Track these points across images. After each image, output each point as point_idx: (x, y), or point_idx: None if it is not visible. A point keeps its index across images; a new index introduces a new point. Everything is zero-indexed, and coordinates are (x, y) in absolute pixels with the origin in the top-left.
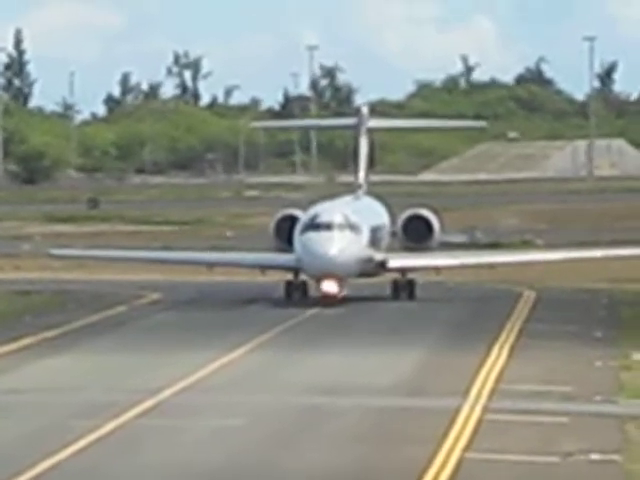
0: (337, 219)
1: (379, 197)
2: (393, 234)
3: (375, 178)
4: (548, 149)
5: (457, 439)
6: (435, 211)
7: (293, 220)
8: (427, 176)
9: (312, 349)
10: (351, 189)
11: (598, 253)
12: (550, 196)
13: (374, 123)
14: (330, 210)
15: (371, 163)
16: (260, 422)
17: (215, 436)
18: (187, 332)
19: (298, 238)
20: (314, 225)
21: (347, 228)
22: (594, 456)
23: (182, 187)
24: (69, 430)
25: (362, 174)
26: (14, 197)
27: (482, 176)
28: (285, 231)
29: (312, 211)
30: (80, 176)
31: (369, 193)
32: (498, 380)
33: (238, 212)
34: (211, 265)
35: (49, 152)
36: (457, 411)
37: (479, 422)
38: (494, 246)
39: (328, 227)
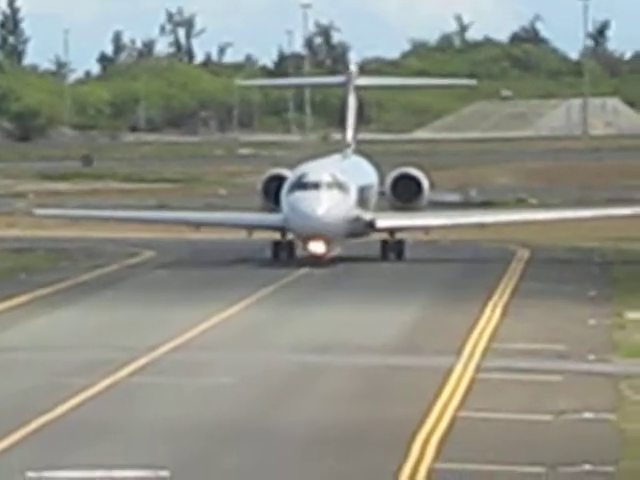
0: (325, 178)
1: (367, 156)
2: (381, 194)
3: (369, 136)
4: (542, 108)
5: (450, 398)
6: (424, 170)
7: (281, 180)
8: (421, 134)
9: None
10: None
11: (588, 213)
12: (544, 155)
13: (363, 81)
14: (318, 169)
15: (360, 121)
16: (252, 380)
17: (206, 394)
18: (179, 290)
19: (285, 198)
20: (301, 184)
21: (335, 187)
22: (587, 414)
23: (176, 145)
24: (63, 388)
25: (350, 133)
26: (8, 155)
27: (476, 134)
28: (273, 191)
29: (299, 170)
30: (74, 134)
31: (358, 151)
32: (491, 339)
33: (232, 170)
34: (197, 225)
35: (43, 110)
36: (450, 370)
37: (472, 381)
38: (488, 205)
39: (315, 186)
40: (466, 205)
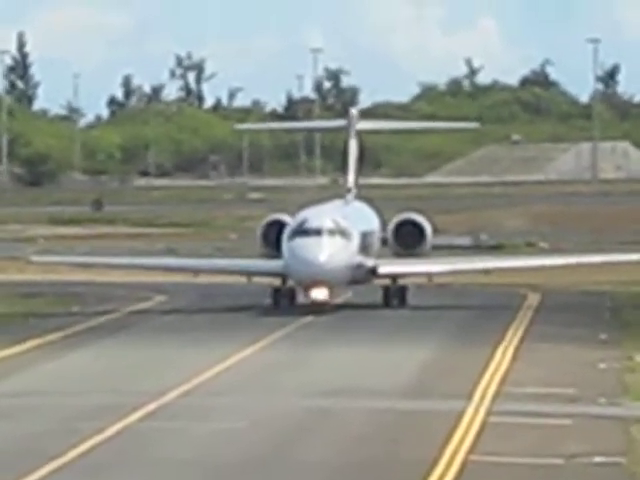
0: (326, 224)
1: (369, 200)
2: (383, 240)
3: (379, 180)
4: (552, 151)
5: (461, 441)
6: (427, 215)
7: (280, 225)
8: (432, 178)
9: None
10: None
11: (597, 259)
12: (554, 198)
13: (363, 125)
14: (319, 215)
15: (362, 166)
16: (262, 424)
17: (216, 438)
18: (188, 334)
19: (286, 244)
20: (303, 231)
21: (337, 234)
22: (598, 458)
23: (186, 189)
24: (75, 433)
25: (352, 177)
26: (19, 199)
27: (486, 178)
28: (272, 236)
29: (301, 216)
30: (84, 178)
31: (361, 196)
32: (502, 383)
33: (242, 214)
34: (196, 272)
35: (53, 155)
36: (461, 413)
37: (483, 424)
38: (498, 248)
39: (317, 232)
40: (477, 249)
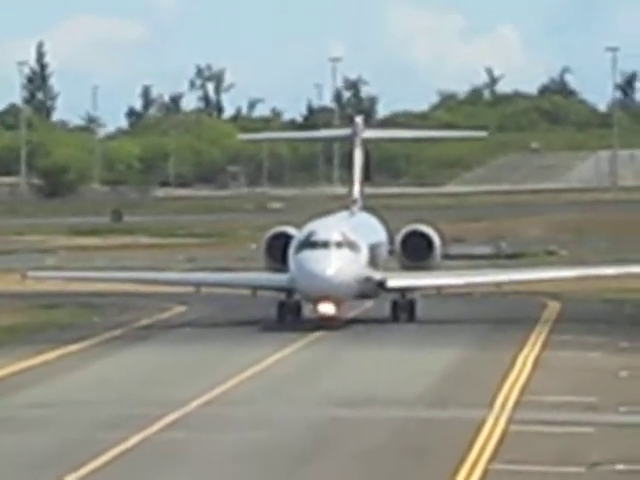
0: (334, 237)
1: (375, 212)
2: (390, 252)
3: (399, 190)
4: (571, 159)
5: (482, 450)
6: (436, 227)
7: (285, 238)
8: (452, 187)
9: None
10: (370, 201)
11: (612, 270)
12: (574, 206)
13: (369, 134)
14: (327, 227)
15: (367, 176)
16: (284, 434)
17: (236, 449)
18: (208, 345)
19: (293, 257)
20: (310, 243)
21: (345, 246)
22: (620, 466)
23: (206, 199)
24: (96, 443)
25: (357, 188)
26: (38, 210)
27: (506, 187)
28: (277, 249)
29: (308, 228)
30: (104, 189)
31: (367, 207)
32: (523, 391)
33: (262, 224)
34: (199, 285)
35: (73, 166)
36: (482, 422)
37: (504, 433)
38: (518, 257)
39: (325, 245)
40: (497, 257)
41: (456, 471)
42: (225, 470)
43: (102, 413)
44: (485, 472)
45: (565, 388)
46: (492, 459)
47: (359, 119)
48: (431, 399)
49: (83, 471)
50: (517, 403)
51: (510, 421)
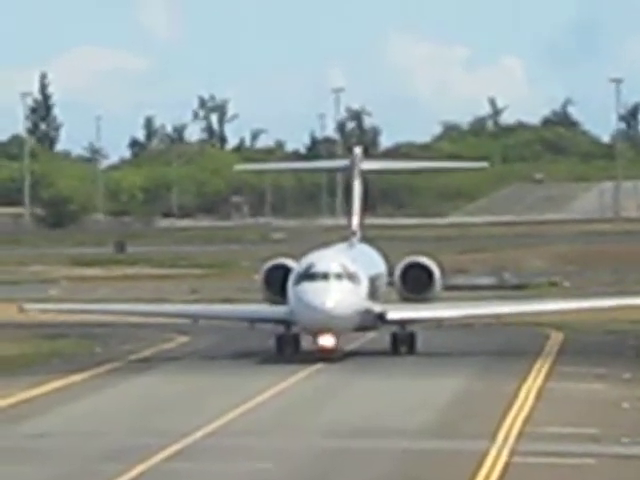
0: (334, 269)
1: (374, 243)
2: (390, 283)
3: (403, 221)
4: (575, 191)
5: None
6: (435, 258)
7: (283, 269)
8: (455, 218)
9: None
10: (374, 233)
11: (612, 302)
12: (577, 237)
13: (368, 165)
14: (326, 259)
15: (365, 207)
16: (287, 465)
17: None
18: (211, 376)
19: (292, 289)
20: (309, 275)
21: (345, 278)
22: None
23: (209, 230)
24: (98, 474)
25: (356, 219)
26: (41, 241)
27: (509, 217)
28: (275, 281)
29: (307, 260)
30: (107, 220)
31: (365, 239)
32: (525, 423)
33: (265, 255)
34: (197, 318)
35: (76, 196)
36: (485, 453)
37: (506, 465)
38: (522, 288)
39: (324, 277)
40: (500, 288)
41: None
42: None
43: (103, 444)
44: None
45: (568, 419)
46: None
47: (358, 150)
48: (434, 430)
49: None
50: (520, 434)
51: (513, 453)
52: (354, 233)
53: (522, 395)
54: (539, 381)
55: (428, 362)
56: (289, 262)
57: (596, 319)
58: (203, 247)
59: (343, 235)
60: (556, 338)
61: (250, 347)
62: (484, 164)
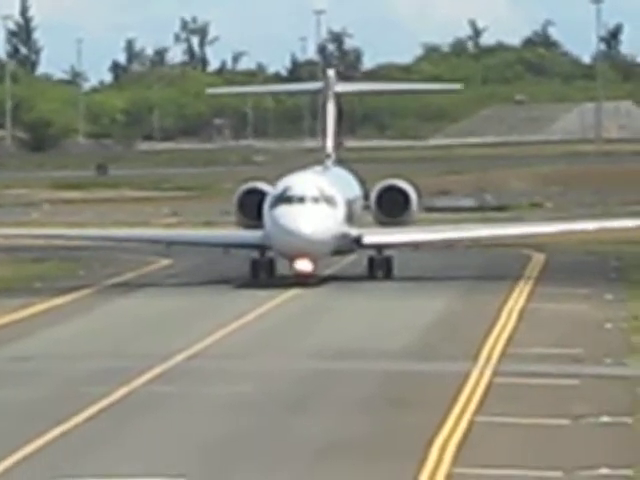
0: (311, 192)
1: (349, 166)
2: (366, 207)
3: (385, 143)
4: (556, 112)
5: (467, 403)
6: (411, 181)
7: (258, 194)
8: (437, 140)
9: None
10: (364, 154)
11: (590, 225)
12: (558, 158)
13: (341, 87)
14: (303, 182)
15: (339, 130)
16: (268, 388)
17: (222, 402)
18: (192, 299)
19: (268, 213)
20: (286, 198)
21: (322, 201)
22: (605, 418)
23: (190, 153)
24: (82, 397)
25: (330, 142)
26: (23, 164)
27: (490, 139)
28: (249, 206)
29: (283, 183)
30: (88, 143)
31: (342, 161)
32: (508, 344)
33: (247, 177)
34: (169, 243)
35: (57, 119)
36: (467, 375)
37: (489, 386)
38: (503, 209)
39: (301, 200)
40: (482, 209)
41: (442, 423)
42: (215, 420)
43: (87, 366)
44: (470, 424)
45: (550, 340)
46: (477, 411)
47: (331, 72)
48: (416, 352)
49: (64, 426)
50: (502, 355)
51: (495, 373)
52: (328, 156)
53: (504, 316)
54: (521, 302)
55: (408, 286)
56: (263, 186)
57: (578, 240)
58: (185, 169)
59: (318, 158)
60: (538, 259)
61: (230, 270)
62: (458, 86)
